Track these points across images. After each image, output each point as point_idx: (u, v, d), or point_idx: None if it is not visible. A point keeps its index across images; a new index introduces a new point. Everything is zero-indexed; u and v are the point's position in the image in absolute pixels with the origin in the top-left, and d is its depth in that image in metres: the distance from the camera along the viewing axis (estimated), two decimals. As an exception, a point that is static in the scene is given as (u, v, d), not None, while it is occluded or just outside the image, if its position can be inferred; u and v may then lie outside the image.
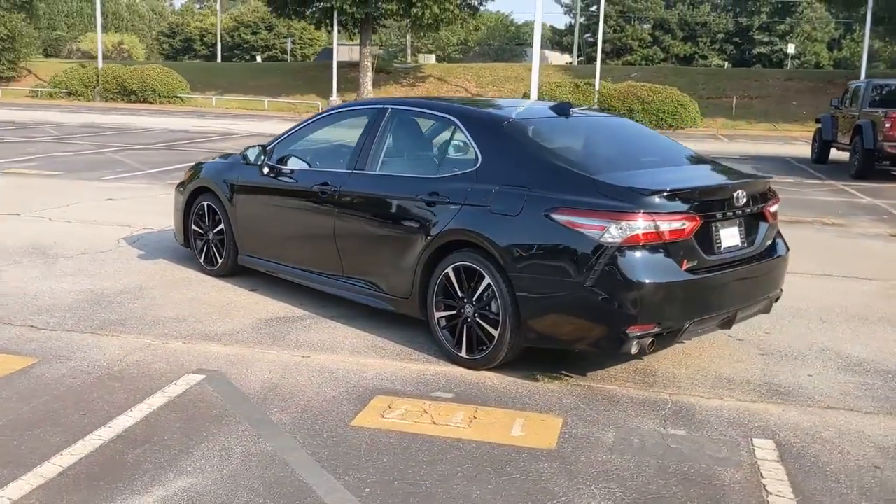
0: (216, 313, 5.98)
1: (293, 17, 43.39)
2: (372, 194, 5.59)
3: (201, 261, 7.06)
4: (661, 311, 4.54)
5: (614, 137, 5.93)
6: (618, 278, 4.43)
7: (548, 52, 65.53)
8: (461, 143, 5.59)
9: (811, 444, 4.09)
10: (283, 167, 6.25)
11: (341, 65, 41.82)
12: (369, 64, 40.33)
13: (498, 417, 4.31)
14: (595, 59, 40.86)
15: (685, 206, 4.64)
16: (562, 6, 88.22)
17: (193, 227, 7.07)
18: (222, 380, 4.70)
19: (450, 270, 5.01)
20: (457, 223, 4.98)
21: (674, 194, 4.67)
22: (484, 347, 4.88)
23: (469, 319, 4.93)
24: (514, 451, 3.93)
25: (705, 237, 4.74)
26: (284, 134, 6.55)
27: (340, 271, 5.80)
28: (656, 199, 4.55)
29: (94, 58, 47.51)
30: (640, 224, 4.43)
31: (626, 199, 4.52)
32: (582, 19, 65.74)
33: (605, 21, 50.96)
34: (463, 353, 4.97)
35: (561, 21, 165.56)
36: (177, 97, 41.48)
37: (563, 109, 5.64)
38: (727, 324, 5.00)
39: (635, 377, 4.94)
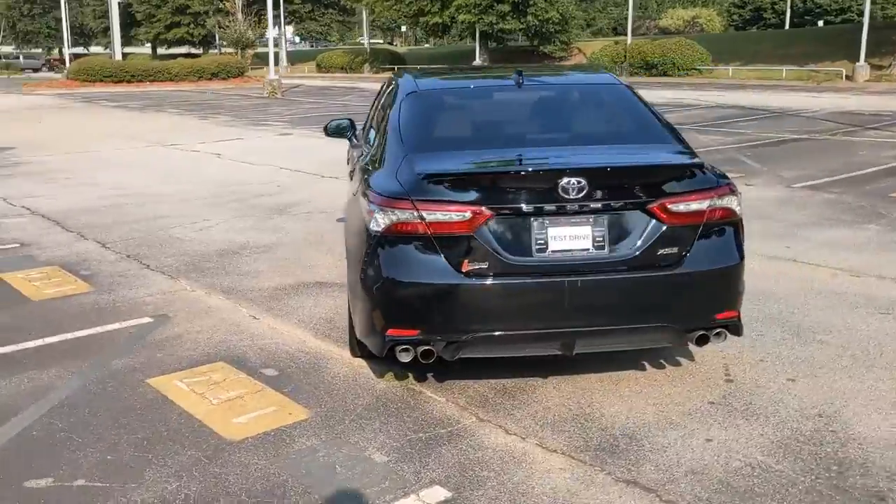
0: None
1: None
2: None
3: None
4: (425, 316, 3.86)
5: (548, 110, 4.95)
6: (377, 272, 3.91)
7: None
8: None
9: None
10: None
11: (877, 26, 36.68)
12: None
13: (259, 402, 4.21)
14: None
15: (466, 195, 3.81)
16: None
17: None
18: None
19: None
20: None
21: (453, 179, 3.88)
22: None
23: None
24: (194, 430, 3.90)
25: (514, 234, 3.83)
26: None
27: None
28: (428, 185, 3.84)
29: (672, 34, 49.59)
30: (400, 213, 3.82)
31: (402, 184, 3.93)
32: None
33: None
34: None
35: None
36: (695, 69, 41.25)
37: (516, 80, 4.87)
38: (567, 347, 3.94)
39: (476, 404, 4.24)
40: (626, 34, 48.12)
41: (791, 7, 60.71)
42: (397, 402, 4.16)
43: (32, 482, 3.43)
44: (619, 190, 3.90)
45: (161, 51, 76.12)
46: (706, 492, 3.30)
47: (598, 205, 3.84)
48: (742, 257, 4.07)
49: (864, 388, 4.26)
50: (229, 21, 45.11)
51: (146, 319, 5.52)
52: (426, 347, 3.87)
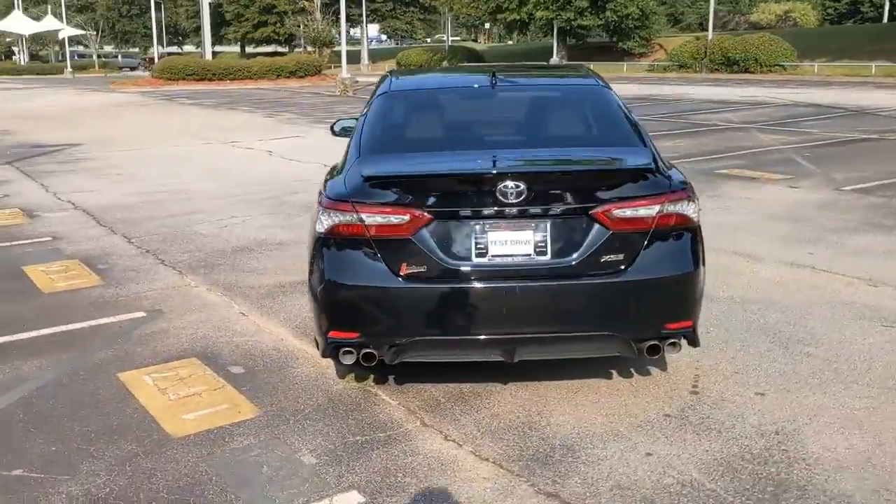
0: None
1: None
2: None
3: None
4: (365, 319, 3.84)
5: (515, 112, 4.87)
6: (321, 274, 3.91)
7: None
8: None
9: None
10: None
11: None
12: None
13: (215, 398, 4.27)
14: None
15: (405, 198, 3.77)
16: None
17: None
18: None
19: None
20: None
21: (393, 182, 3.85)
22: None
23: None
24: (143, 425, 3.98)
25: (454, 238, 3.77)
26: None
27: None
28: (369, 188, 3.83)
29: (763, 29, 48.40)
30: (342, 216, 3.81)
31: (346, 187, 3.93)
32: None
33: None
34: None
35: None
36: (778, 66, 39.89)
37: (490, 80, 4.78)
38: (508, 354, 3.86)
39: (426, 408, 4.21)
40: (723, 29, 46.90)
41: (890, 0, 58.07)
42: (348, 404, 4.15)
43: (-27, 470, 3.57)
44: (562, 195, 3.79)
45: (249, 49, 78.22)
46: (625, 509, 3.18)
47: (539, 209, 3.74)
48: (697, 265, 3.91)
49: (836, 405, 4.03)
50: (308, 20, 45.96)
51: (139, 314, 5.67)
52: (367, 350, 3.86)
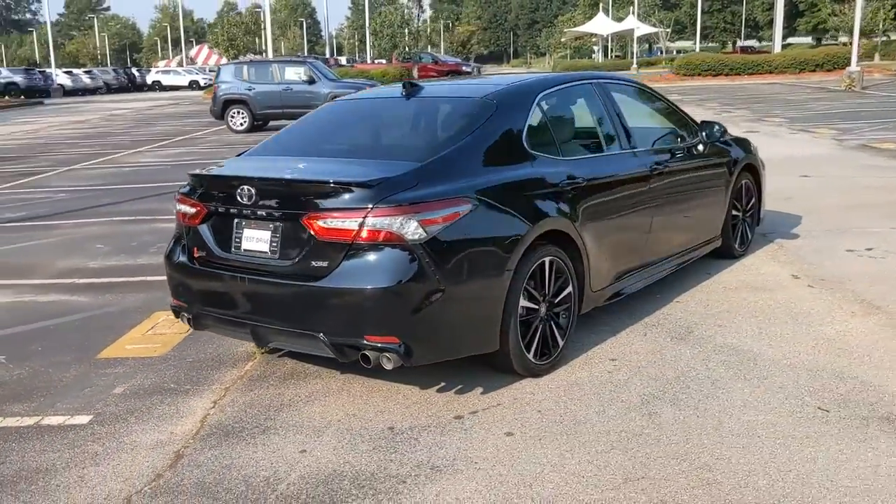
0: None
1: None
2: None
3: None
4: (180, 291, 4.72)
5: (381, 123, 5.25)
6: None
7: None
8: None
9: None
10: None
11: None
12: None
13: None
14: None
15: (196, 193, 4.56)
16: None
17: None
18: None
19: None
20: None
21: (196, 179, 4.64)
22: None
23: None
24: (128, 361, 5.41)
25: (223, 232, 4.45)
26: None
27: None
28: (189, 183, 4.70)
29: None
30: (177, 205, 4.75)
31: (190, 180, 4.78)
32: None
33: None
34: None
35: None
36: None
37: (407, 90, 5.09)
38: (258, 340, 4.40)
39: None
40: None
41: None
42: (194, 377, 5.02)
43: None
44: (282, 201, 4.18)
45: (825, 41, 73.88)
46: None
47: (264, 213, 4.22)
48: (401, 282, 3.90)
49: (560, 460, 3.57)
50: (845, 8, 41.74)
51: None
52: (187, 316, 4.72)
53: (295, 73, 22.03)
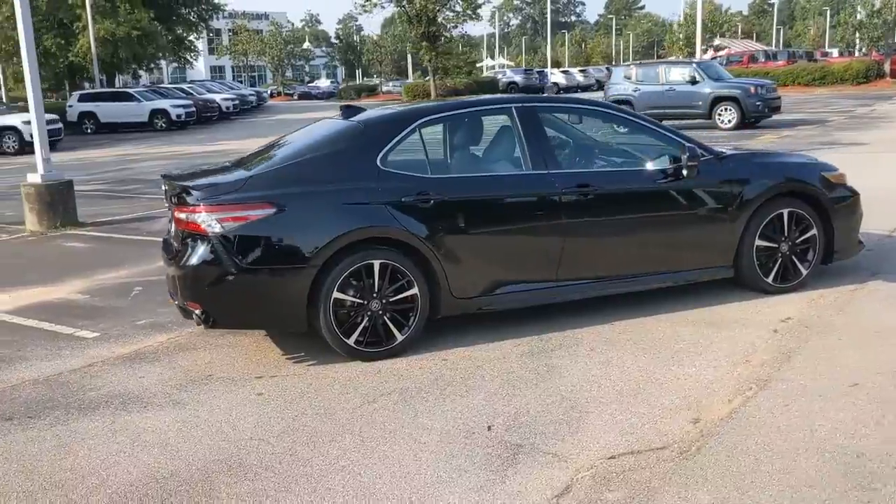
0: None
1: None
2: None
3: None
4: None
5: (302, 140, 5.94)
6: None
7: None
8: None
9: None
10: None
11: None
12: None
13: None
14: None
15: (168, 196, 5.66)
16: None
17: None
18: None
19: None
20: None
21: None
22: None
23: None
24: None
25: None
26: None
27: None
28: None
29: None
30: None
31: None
32: None
33: None
34: None
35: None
36: None
37: (345, 114, 6.00)
38: (185, 313, 5.44)
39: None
40: None
41: None
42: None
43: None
44: (176, 199, 5.38)
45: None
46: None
47: (168, 205, 5.70)
48: (200, 263, 5.10)
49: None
50: None
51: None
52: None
53: (680, 75, 22.14)
